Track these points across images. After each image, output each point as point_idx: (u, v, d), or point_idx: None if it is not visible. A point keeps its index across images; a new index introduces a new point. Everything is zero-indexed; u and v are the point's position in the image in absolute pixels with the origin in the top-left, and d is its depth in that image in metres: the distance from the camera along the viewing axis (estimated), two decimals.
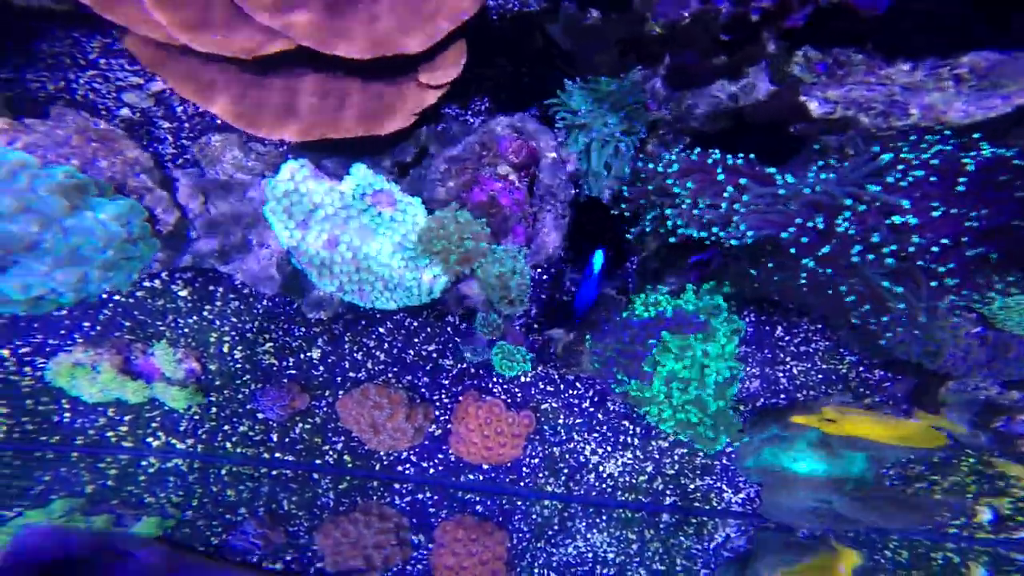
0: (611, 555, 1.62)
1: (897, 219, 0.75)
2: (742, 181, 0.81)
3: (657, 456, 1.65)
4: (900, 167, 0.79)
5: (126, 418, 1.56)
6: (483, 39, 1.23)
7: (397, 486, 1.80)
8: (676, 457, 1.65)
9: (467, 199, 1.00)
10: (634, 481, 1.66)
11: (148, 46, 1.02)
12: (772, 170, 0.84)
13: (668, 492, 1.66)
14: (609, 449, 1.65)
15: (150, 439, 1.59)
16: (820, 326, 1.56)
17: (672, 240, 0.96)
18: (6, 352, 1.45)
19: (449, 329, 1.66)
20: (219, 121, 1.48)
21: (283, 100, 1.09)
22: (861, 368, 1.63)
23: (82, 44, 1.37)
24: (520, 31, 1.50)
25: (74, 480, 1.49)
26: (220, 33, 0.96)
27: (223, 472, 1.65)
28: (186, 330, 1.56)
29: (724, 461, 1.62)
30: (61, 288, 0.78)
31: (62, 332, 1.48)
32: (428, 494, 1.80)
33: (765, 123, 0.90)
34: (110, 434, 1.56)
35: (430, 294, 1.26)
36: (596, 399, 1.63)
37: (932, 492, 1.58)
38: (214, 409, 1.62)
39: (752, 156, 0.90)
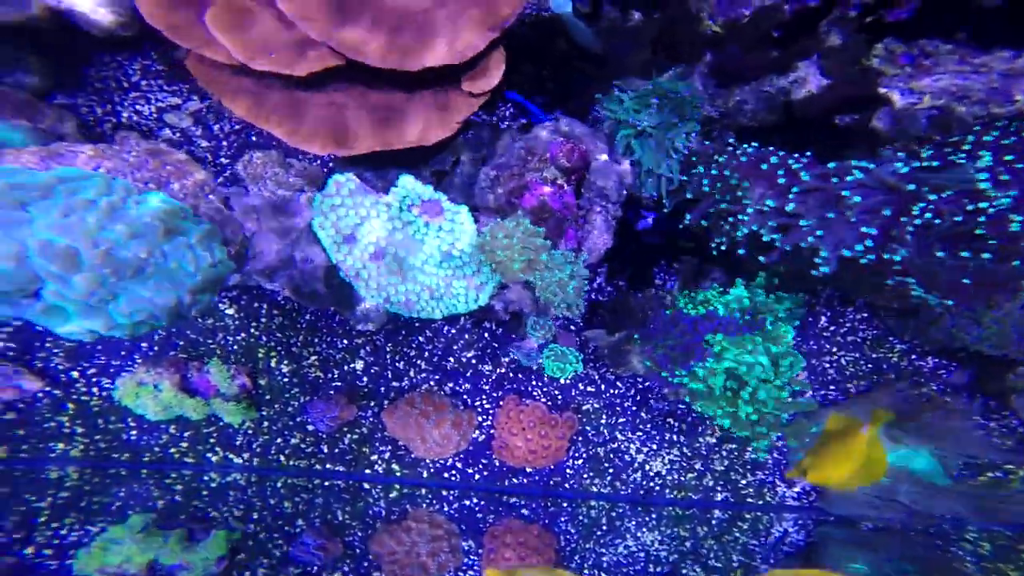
0: (664, 553, 1.61)
1: (983, 204, 0.73)
2: (804, 176, 0.81)
3: (705, 452, 1.64)
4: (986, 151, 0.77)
5: (186, 434, 1.63)
6: (507, 46, 1.25)
7: (445, 493, 1.83)
8: (724, 453, 1.63)
9: (518, 205, 1.03)
10: (682, 478, 1.65)
11: (207, 67, 1.07)
12: (833, 166, 0.82)
13: (719, 488, 1.65)
14: (655, 447, 1.65)
15: (209, 454, 1.65)
16: (866, 314, 1.52)
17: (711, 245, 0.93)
18: (76, 374, 1.53)
19: (487, 335, 1.68)
20: (255, 138, 1.54)
21: (332, 115, 1.13)
22: (913, 356, 1.59)
23: (125, 67, 1.42)
24: (543, 36, 1.52)
25: (146, 495, 1.56)
26: (275, 51, 1.01)
27: (279, 485, 1.71)
28: (235, 347, 1.62)
29: (775, 455, 1.60)
30: (159, 312, 0.83)
31: (123, 353, 1.56)
32: (475, 500, 1.83)
33: (818, 116, 0.89)
34: (173, 450, 1.63)
35: (476, 301, 1.29)
36: (638, 398, 1.63)
37: (1009, 482, 1.52)
38: (266, 423, 1.67)
39: (809, 153, 0.88)
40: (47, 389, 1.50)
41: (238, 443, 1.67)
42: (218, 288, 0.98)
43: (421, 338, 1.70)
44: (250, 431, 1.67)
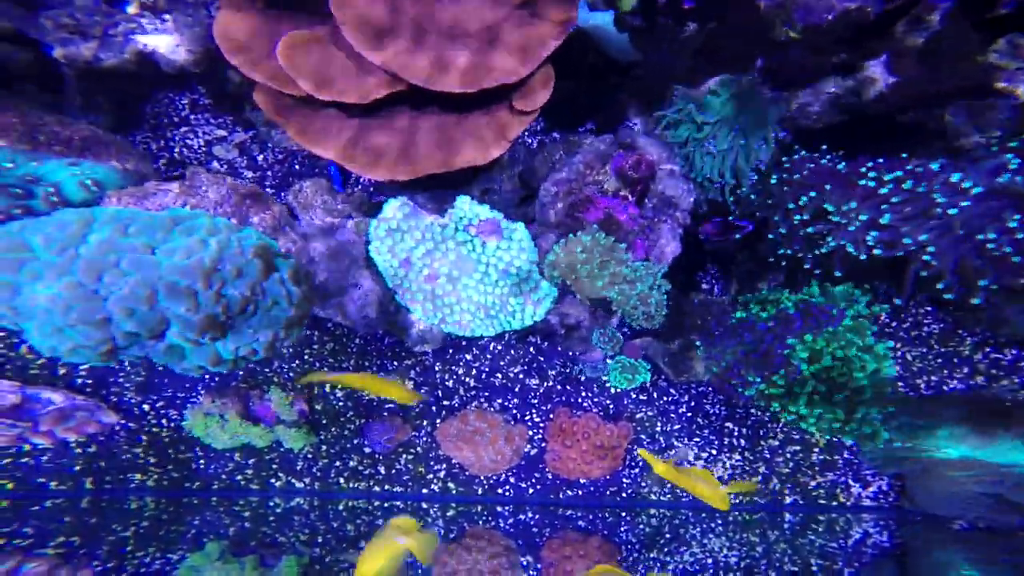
0: (733, 559, 1.58)
1: None
2: (906, 185, 0.79)
3: (768, 456, 1.61)
4: None
5: (250, 461, 1.67)
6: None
7: (500, 509, 1.83)
8: (789, 455, 1.60)
9: (582, 219, 1.05)
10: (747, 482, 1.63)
11: (272, 98, 1.12)
12: (936, 166, 0.81)
13: (787, 492, 1.62)
14: (714, 452, 1.63)
15: (273, 480, 1.69)
16: (931, 308, 1.49)
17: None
18: (147, 407, 1.59)
19: (532, 350, 1.69)
20: (298, 167, 1.59)
21: (389, 140, 1.17)
22: (988, 349, 1.53)
23: (175, 102, 1.49)
24: (575, 51, 1.55)
25: (217, 523, 1.59)
26: (339, 81, 1.06)
27: (340, 508, 1.74)
28: (291, 374, 1.66)
29: (846, 455, 1.56)
30: (259, 348, 0.86)
31: (187, 385, 1.61)
32: (531, 514, 1.82)
33: (886, 115, 0.89)
34: (239, 477, 1.67)
35: (534, 317, 1.30)
36: (692, 404, 1.62)
37: None
38: (324, 447, 1.70)
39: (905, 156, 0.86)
40: (123, 422, 1.56)
41: (299, 468, 1.70)
42: (305, 321, 1.01)
43: (468, 356, 1.72)
44: (309, 456, 1.70)
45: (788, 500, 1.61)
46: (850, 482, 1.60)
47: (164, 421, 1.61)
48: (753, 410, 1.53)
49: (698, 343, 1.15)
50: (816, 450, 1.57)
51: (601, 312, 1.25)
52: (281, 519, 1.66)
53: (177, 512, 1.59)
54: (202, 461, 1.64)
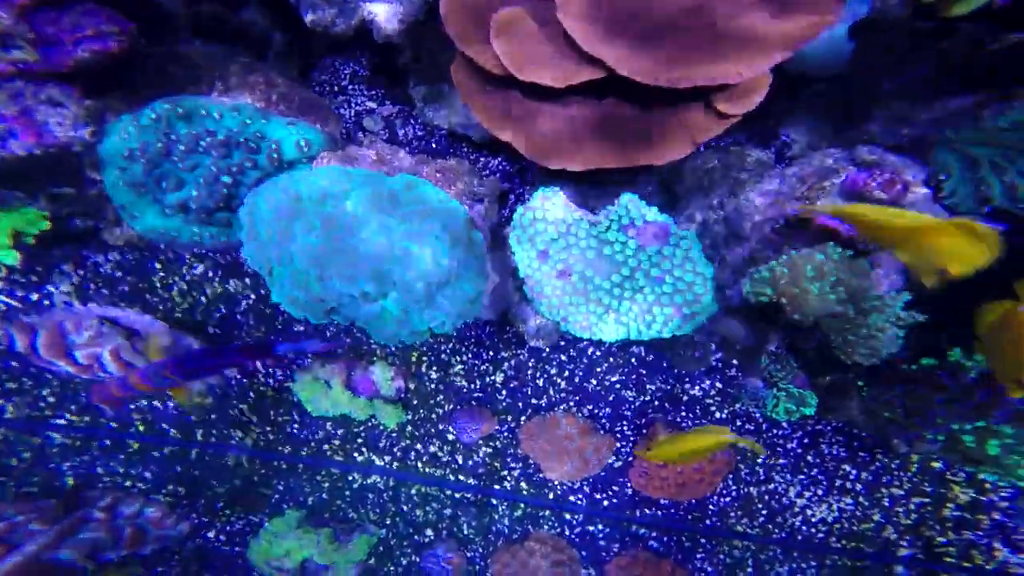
0: None
1: None
2: None
3: (887, 503, 1.57)
4: None
5: (339, 432, 1.60)
6: None
7: (568, 517, 1.78)
8: (913, 506, 1.56)
9: (789, 235, 1.00)
10: (855, 528, 1.58)
11: (467, 73, 1.07)
12: None
13: (903, 544, 1.57)
14: (820, 493, 1.59)
15: (356, 454, 1.62)
16: None
17: None
18: (259, 364, 1.52)
19: (633, 360, 1.65)
20: (434, 145, 1.55)
21: (569, 129, 1.11)
22: None
23: (339, 71, 1.45)
24: None
25: (298, 491, 1.52)
26: (540, 63, 1.01)
27: (413, 492, 1.67)
28: (394, 350, 1.60)
29: (995, 516, 1.51)
30: (448, 321, 0.81)
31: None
32: (599, 526, 1.77)
33: None
34: (326, 447, 1.60)
35: (677, 330, 1.24)
36: (806, 441, 1.58)
37: None
38: (409, 427, 1.64)
39: None
40: (238, 377, 1.48)
41: (381, 445, 1.64)
42: (480, 299, 0.96)
43: (564, 357, 1.67)
44: (393, 434, 1.64)
45: (903, 553, 1.57)
46: (995, 544, 1.54)
47: (270, 380, 1.53)
48: (880, 456, 1.48)
49: (861, 383, 1.11)
50: (951, 505, 1.52)
51: (758, 335, 1.21)
52: (356, 495, 1.59)
53: (266, 474, 1.51)
54: (296, 426, 1.57)
